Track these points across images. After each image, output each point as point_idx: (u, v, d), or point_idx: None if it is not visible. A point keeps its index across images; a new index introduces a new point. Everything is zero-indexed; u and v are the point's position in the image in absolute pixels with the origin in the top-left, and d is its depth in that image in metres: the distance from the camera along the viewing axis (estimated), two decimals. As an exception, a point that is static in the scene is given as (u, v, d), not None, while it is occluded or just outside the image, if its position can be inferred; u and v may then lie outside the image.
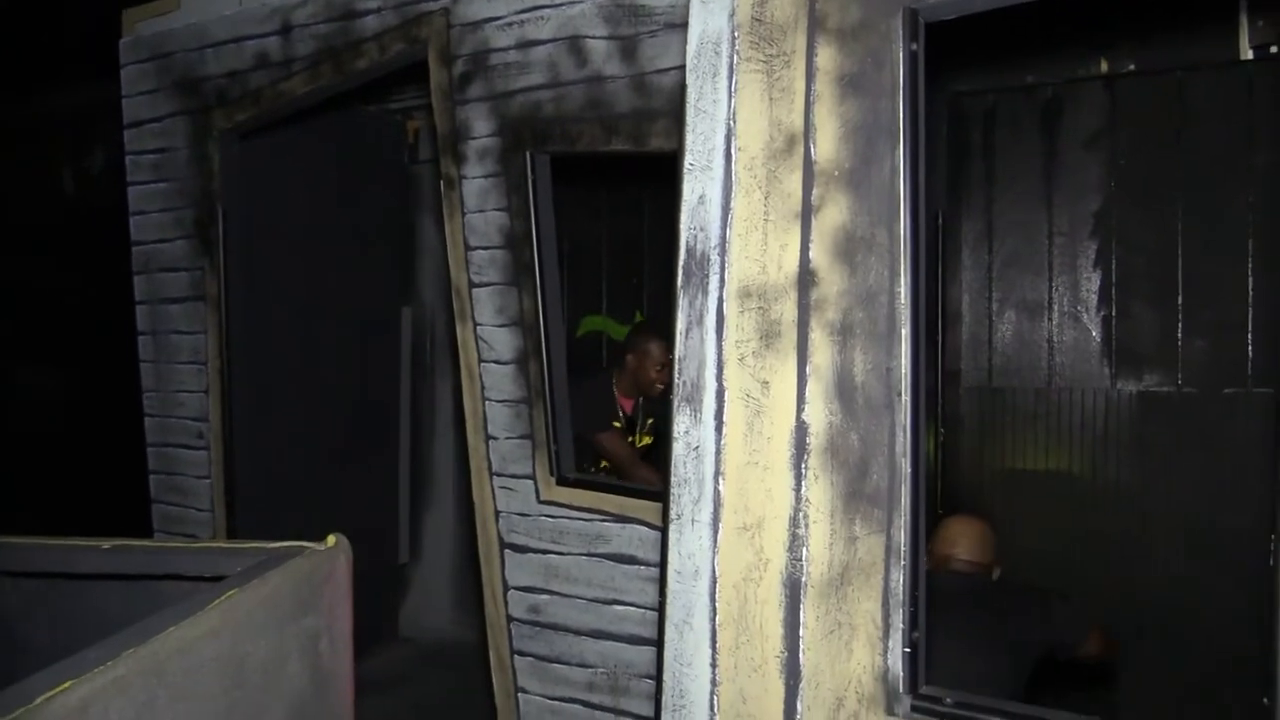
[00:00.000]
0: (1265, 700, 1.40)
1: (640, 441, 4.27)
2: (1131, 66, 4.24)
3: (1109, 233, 4.22)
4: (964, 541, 2.84)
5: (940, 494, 4.37)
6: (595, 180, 4.99)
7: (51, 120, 6.71)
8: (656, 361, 4.13)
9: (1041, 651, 2.74)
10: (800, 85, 1.72)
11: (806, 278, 1.70)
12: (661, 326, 4.02)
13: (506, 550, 3.34)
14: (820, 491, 1.66)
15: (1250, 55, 4.02)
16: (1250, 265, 3.94)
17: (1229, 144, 3.99)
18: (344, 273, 4.99)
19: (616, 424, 4.16)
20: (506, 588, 3.35)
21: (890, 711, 1.61)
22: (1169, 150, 4.11)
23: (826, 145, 1.70)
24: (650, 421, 4.31)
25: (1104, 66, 4.26)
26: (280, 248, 4.34)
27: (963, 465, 4.46)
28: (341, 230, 4.99)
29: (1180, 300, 4.06)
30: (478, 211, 3.27)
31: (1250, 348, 3.92)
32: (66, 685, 1.20)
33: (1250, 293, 3.93)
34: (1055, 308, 4.31)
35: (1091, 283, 4.24)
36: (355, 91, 4.32)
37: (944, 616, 2.54)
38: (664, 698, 1.79)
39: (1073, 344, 4.28)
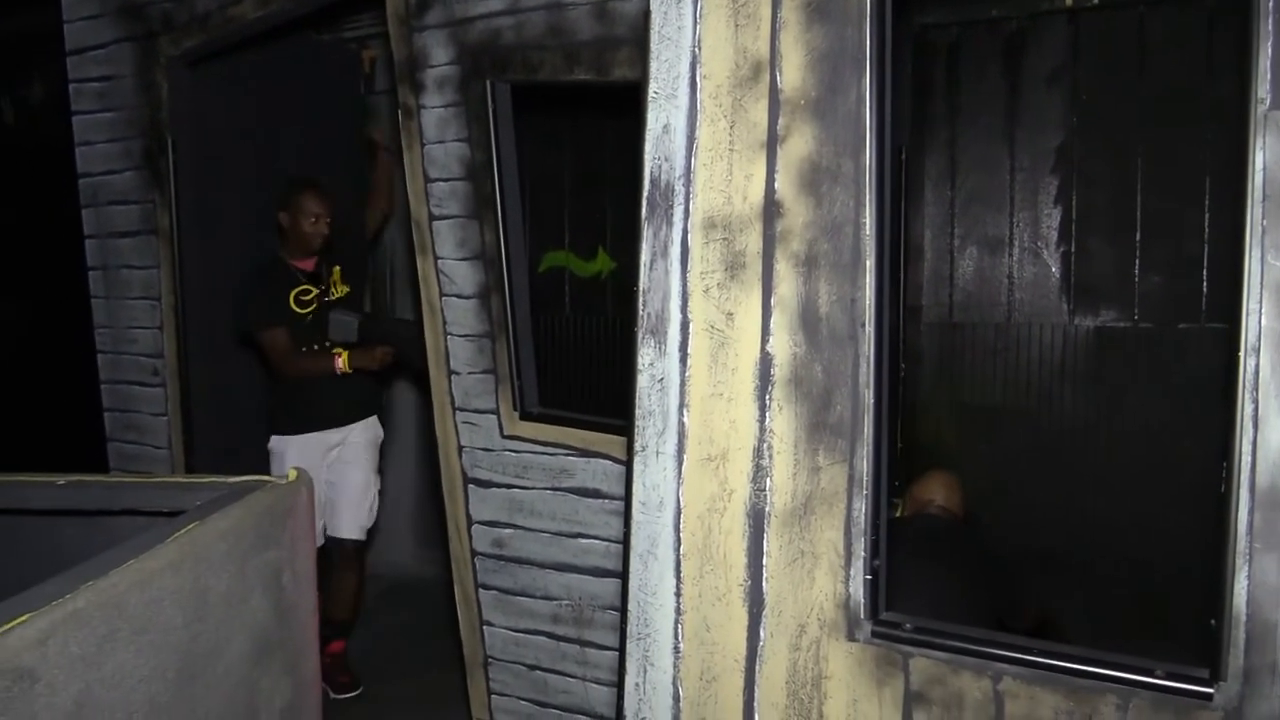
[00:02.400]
0: (1212, 622, 1.44)
1: (335, 293, 4.06)
2: (1096, 1, 4.22)
3: (1070, 169, 4.23)
4: (942, 491, 3.09)
5: (900, 429, 4.42)
6: (557, 110, 4.91)
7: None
8: (309, 213, 3.90)
9: (1003, 600, 2.86)
10: (766, 12, 1.69)
11: (772, 208, 1.68)
12: (307, 178, 3.97)
13: (470, 485, 3.34)
14: (784, 422, 1.67)
15: (1213, -10, 4.02)
16: (1207, 202, 3.97)
17: (1188, 80, 4.00)
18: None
19: (301, 287, 3.96)
20: (470, 523, 3.36)
21: (851, 637, 1.64)
22: (1129, 86, 4.10)
23: (793, 74, 1.67)
24: (337, 269, 4.09)
25: (1069, 0, 4.24)
26: (232, 180, 4.23)
27: (922, 400, 4.51)
28: (296, 162, 4.87)
29: (1138, 236, 4.09)
30: (437, 143, 3.20)
31: (1205, 284, 3.97)
32: (24, 618, 1.18)
33: (1206, 229, 3.97)
34: (1016, 243, 4.33)
35: (1052, 219, 4.26)
36: (308, 19, 4.21)
37: (929, 550, 2.68)
38: (629, 627, 1.81)
39: (1032, 280, 4.31)
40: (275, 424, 4.05)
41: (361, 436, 4.14)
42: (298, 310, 3.94)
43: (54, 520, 1.95)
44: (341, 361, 3.87)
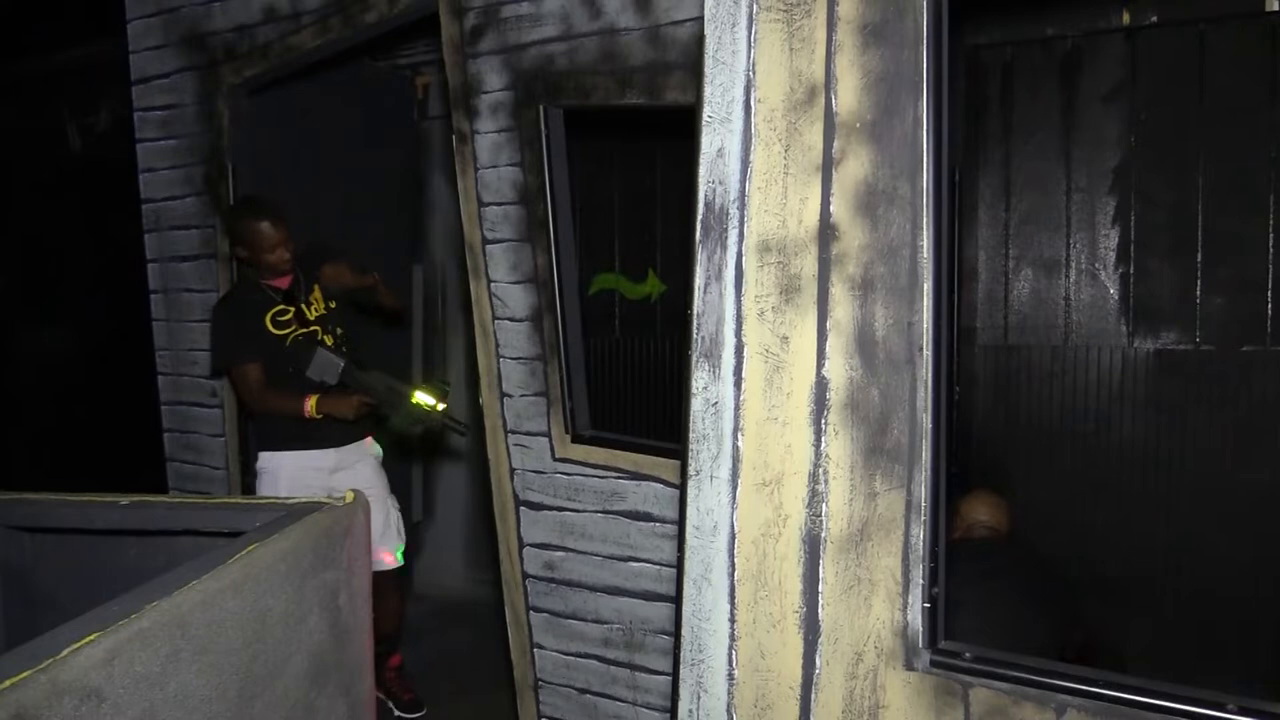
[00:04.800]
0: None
1: (316, 310, 3.75)
2: (1154, 18, 4.16)
3: (1128, 189, 4.17)
4: (988, 511, 3.04)
5: (955, 453, 4.37)
6: (608, 134, 4.94)
7: (56, 76, 6.66)
8: (268, 246, 3.58)
9: (1066, 613, 2.82)
10: (821, 35, 1.69)
11: (827, 232, 1.67)
12: (255, 204, 3.65)
13: (522, 508, 3.34)
14: (840, 447, 1.65)
15: (1275, 7, 3.94)
16: (1271, 222, 3.89)
17: (1251, 98, 3.93)
18: (354, 230, 4.96)
19: (278, 308, 3.67)
20: (522, 545, 3.36)
21: (909, 666, 1.61)
22: (1190, 105, 4.04)
23: (848, 97, 1.67)
24: (316, 286, 3.79)
25: (1125, 18, 4.18)
26: (290, 205, 4.31)
27: (978, 424, 4.45)
28: (351, 187, 4.96)
29: (1199, 257, 4.01)
30: (490, 167, 3.24)
31: (1270, 305, 3.88)
32: (93, 637, 1.20)
33: (1270, 250, 3.88)
34: (1073, 265, 4.27)
35: (1110, 239, 4.20)
36: (364, 47, 4.28)
37: (988, 573, 2.66)
38: (682, 653, 1.80)
39: (1090, 301, 4.24)
40: (264, 440, 3.79)
41: (364, 464, 3.88)
42: (275, 332, 3.66)
43: (117, 540, 1.99)
44: (310, 405, 3.56)
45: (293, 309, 3.71)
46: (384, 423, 3.77)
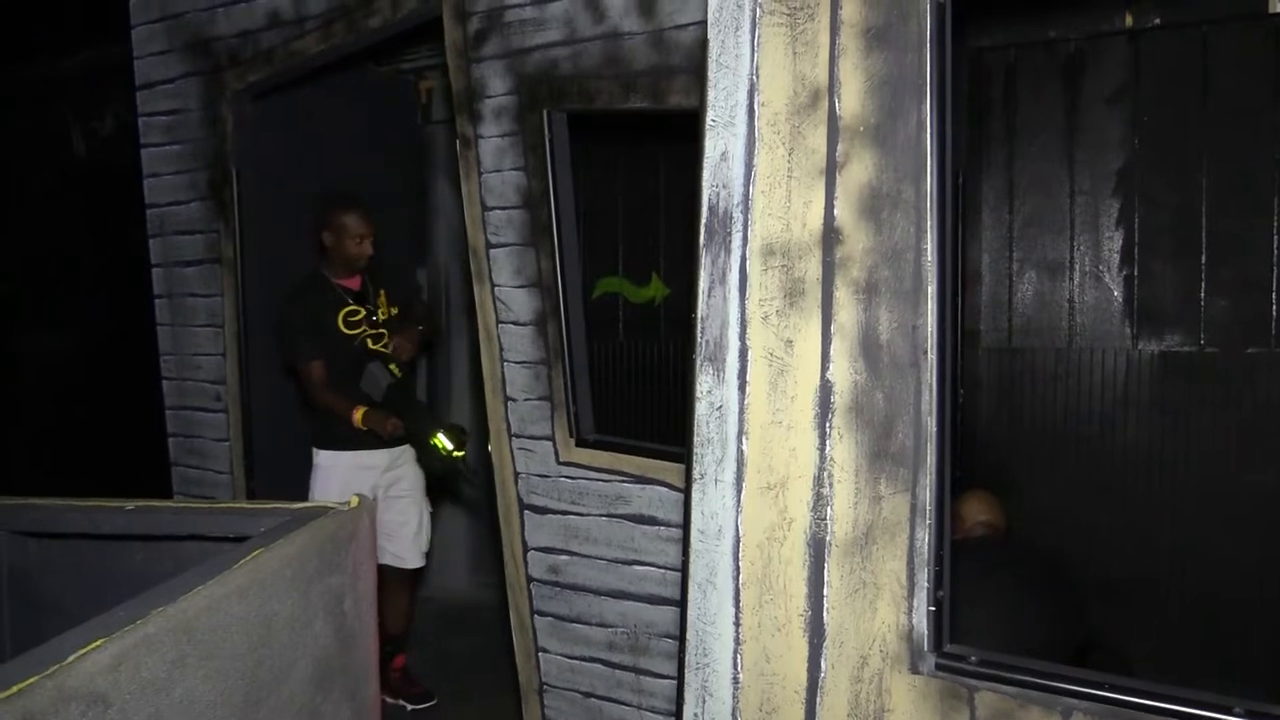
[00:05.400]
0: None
1: (383, 314, 3.97)
2: (1156, 20, 4.16)
3: (1131, 191, 4.16)
4: (985, 509, 3.04)
5: (960, 456, 4.36)
6: (611, 138, 4.94)
7: (61, 82, 6.68)
8: (354, 233, 3.82)
9: (1071, 606, 2.83)
10: (825, 39, 1.69)
11: (831, 235, 1.67)
12: (348, 196, 3.88)
13: (526, 511, 3.34)
14: (845, 450, 1.65)
15: (1278, 8, 3.94)
16: (1275, 223, 3.89)
17: (1254, 100, 3.92)
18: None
19: (349, 309, 3.89)
20: (526, 548, 3.36)
21: (915, 670, 1.61)
22: (1193, 106, 4.04)
23: (851, 100, 1.67)
24: (383, 291, 4.01)
25: (1128, 20, 4.18)
26: (294, 210, 4.32)
27: (982, 427, 4.45)
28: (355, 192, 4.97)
29: (1203, 259, 4.01)
30: (494, 171, 3.24)
31: (1274, 307, 3.88)
32: (99, 643, 1.20)
33: (1275, 251, 3.88)
34: (1076, 267, 4.26)
35: (1113, 242, 4.19)
36: (368, 52, 4.29)
37: (992, 570, 2.66)
38: (687, 656, 1.80)
39: (1094, 304, 4.24)
40: (324, 439, 3.97)
41: (410, 467, 4.09)
42: (346, 331, 3.87)
43: (122, 545, 1.99)
44: (358, 417, 3.75)
45: (363, 310, 3.90)
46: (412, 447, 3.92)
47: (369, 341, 3.91)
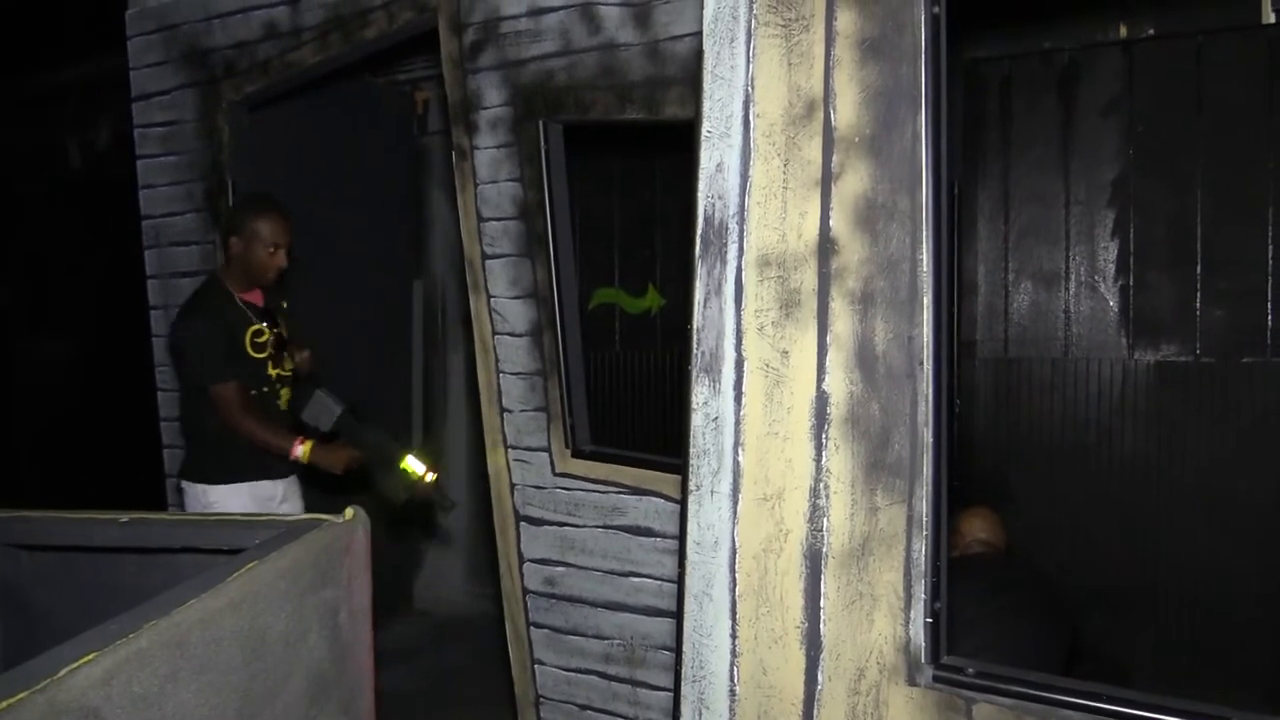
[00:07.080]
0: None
1: (286, 334, 3.53)
2: (1150, 31, 4.18)
3: (1127, 201, 4.17)
4: (984, 527, 3.03)
5: (956, 466, 4.36)
6: (607, 149, 4.95)
7: (57, 93, 6.68)
8: (268, 241, 3.37)
9: (1068, 623, 2.83)
10: (820, 50, 1.69)
11: (827, 246, 1.67)
12: (265, 199, 3.49)
13: (522, 523, 3.34)
14: (841, 462, 1.65)
15: (1272, 19, 3.96)
16: (1270, 233, 3.90)
17: (1249, 110, 3.94)
18: (354, 246, 4.97)
19: (255, 328, 3.42)
20: (522, 560, 3.35)
21: (912, 681, 1.60)
22: (1188, 117, 4.05)
23: (847, 111, 1.67)
24: (285, 305, 3.60)
25: (1123, 31, 4.20)
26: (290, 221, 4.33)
27: (979, 437, 4.44)
28: (351, 203, 4.97)
29: (1199, 269, 4.02)
30: (490, 182, 3.24)
31: (1270, 316, 3.89)
32: (90, 657, 1.19)
33: (1270, 261, 3.89)
34: (1072, 277, 4.27)
35: (1109, 252, 4.20)
36: (364, 63, 4.29)
37: (990, 588, 2.65)
38: (684, 669, 1.79)
39: (1090, 314, 4.24)
40: (215, 471, 3.45)
41: (296, 493, 3.67)
42: (254, 355, 3.42)
43: (116, 558, 1.98)
44: (302, 451, 3.31)
45: (269, 332, 3.47)
46: (368, 483, 3.47)
47: (270, 365, 3.47)
